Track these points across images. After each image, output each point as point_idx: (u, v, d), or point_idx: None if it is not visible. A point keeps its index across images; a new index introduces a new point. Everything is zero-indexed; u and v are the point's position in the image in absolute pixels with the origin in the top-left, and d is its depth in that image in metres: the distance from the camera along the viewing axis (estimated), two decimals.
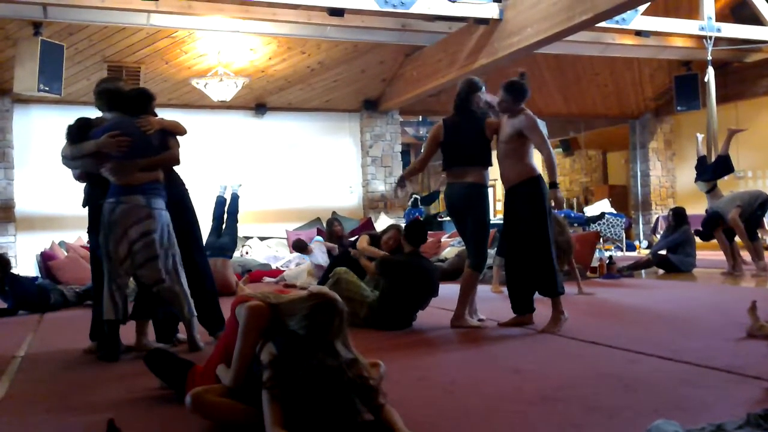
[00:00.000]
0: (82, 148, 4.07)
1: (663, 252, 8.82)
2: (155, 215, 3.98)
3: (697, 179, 8.79)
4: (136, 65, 10.05)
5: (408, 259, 5.00)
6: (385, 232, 5.87)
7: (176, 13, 8.49)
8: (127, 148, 3.94)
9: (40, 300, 6.72)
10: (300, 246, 8.09)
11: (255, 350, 2.52)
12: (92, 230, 4.21)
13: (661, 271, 8.74)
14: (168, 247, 4.05)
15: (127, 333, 4.19)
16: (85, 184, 4.37)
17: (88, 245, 4.53)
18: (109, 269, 3.98)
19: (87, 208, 4.31)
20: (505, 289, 6.86)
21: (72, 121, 4.31)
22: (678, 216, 8.68)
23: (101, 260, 4.06)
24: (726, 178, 8.83)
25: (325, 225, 9.38)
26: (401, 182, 5.20)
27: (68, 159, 4.21)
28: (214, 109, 10.99)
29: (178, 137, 4.24)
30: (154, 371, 3.09)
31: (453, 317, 4.82)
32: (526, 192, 4.60)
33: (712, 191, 8.41)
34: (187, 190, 4.48)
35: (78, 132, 4.17)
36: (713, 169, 8.56)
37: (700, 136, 9.17)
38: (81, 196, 4.40)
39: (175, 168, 4.35)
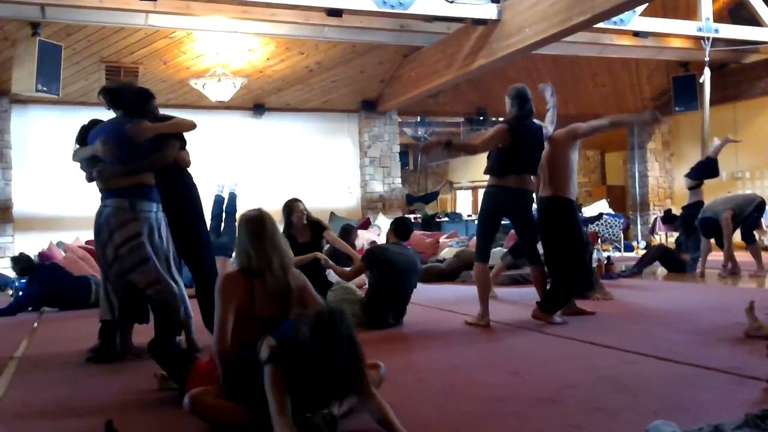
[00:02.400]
0: (82, 152, 4.12)
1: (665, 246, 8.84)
2: (141, 218, 3.92)
3: (686, 175, 8.93)
4: (134, 66, 10.05)
5: (392, 247, 5.13)
6: (290, 211, 5.82)
7: (174, 14, 8.48)
8: (118, 152, 3.91)
9: (76, 295, 6.65)
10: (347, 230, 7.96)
11: (231, 314, 2.68)
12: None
13: (659, 271, 8.76)
14: (160, 249, 4.00)
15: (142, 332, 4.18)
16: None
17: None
18: (103, 271, 4.02)
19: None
20: (496, 290, 6.67)
21: (75, 122, 4.31)
22: (687, 222, 8.57)
23: None
24: (724, 179, 8.89)
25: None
26: (447, 145, 4.82)
27: (77, 161, 4.24)
28: (212, 110, 10.98)
29: (188, 133, 4.20)
30: (158, 361, 3.10)
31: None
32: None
33: (695, 188, 8.59)
34: (197, 194, 4.42)
35: (83, 134, 4.20)
36: (698, 170, 8.67)
37: (717, 141, 9.19)
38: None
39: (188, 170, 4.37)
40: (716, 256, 8.62)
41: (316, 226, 5.87)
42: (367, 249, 5.41)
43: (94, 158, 4.03)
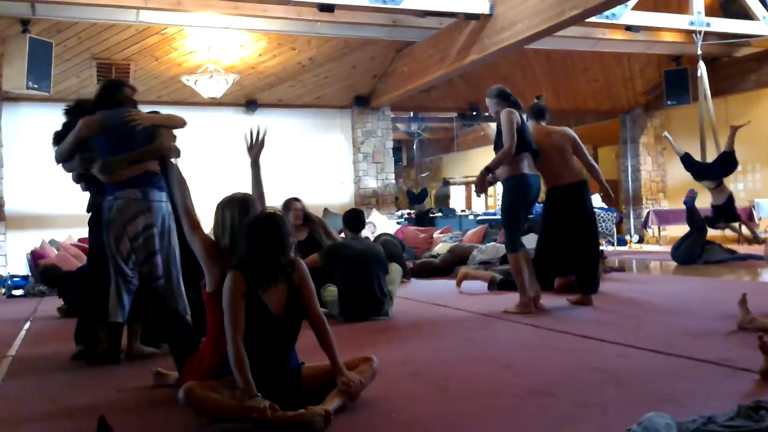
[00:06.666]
0: (64, 144, 3.96)
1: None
2: (153, 207, 3.85)
3: (700, 179, 8.89)
4: (126, 62, 10.00)
5: (350, 242, 5.24)
6: (287, 209, 5.83)
7: (166, 10, 8.46)
8: (98, 125, 3.82)
9: None
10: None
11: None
12: (93, 228, 4.11)
13: (652, 265, 8.79)
14: (168, 241, 3.93)
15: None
16: (83, 184, 4.25)
17: (88, 242, 4.34)
18: (116, 268, 3.84)
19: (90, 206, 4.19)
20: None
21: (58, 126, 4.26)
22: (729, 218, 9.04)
23: (101, 259, 4.01)
24: None
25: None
26: (488, 175, 5.00)
27: (60, 162, 4.13)
28: (204, 106, 10.94)
29: (178, 130, 4.13)
30: (166, 332, 3.14)
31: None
32: None
33: (718, 186, 8.64)
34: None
35: (61, 134, 4.09)
36: (720, 168, 8.67)
37: (670, 136, 9.35)
38: (75, 195, 4.29)
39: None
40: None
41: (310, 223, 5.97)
42: (327, 247, 5.41)
43: (85, 157, 3.94)
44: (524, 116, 5.13)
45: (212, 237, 2.93)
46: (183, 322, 3.31)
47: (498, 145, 5.03)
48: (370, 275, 5.07)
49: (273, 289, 2.67)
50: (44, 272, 6.84)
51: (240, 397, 2.45)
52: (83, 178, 4.18)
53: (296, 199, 6.02)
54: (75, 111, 4.18)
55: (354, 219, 5.32)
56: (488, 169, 4.90)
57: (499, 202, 5.57)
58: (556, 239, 5.39)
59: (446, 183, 17.66)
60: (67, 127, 4.13)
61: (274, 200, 6.09)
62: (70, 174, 4.27)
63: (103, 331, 3.89)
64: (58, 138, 4.17)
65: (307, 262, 4.94)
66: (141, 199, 3.82)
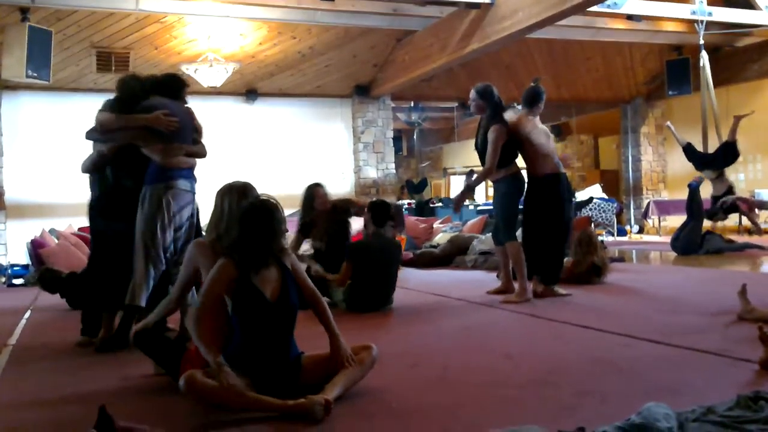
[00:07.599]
0: (131, 119, 3.90)
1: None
2: (194, 199, 4.07)
3: (702, 168, 8.89)
4: (125, 51, 9.96)
5: (372, 241, 5.17)
6: (312, 198, 5.75)
7: None
8: (174, 129, 3.90)
9: None
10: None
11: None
12: (106, 214, 4.10)
13: (652, 255, 8.79)
14: (195, 231, 4.11)
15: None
16: (89, 174, 4.23)
17: (92, 228, 4.25)
18: (149, 254, 3.85)
19: (101, 190, 4.17)
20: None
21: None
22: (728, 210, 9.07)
23: (110, 246, 4.03)
24: None
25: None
26: (470, 190, 5.72)
27: (102, 130, 3.98)
28: (204, 95, 10.88)
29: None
30: (144, 350, 3.10)
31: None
32: None
33: (719, 177, 8.64)
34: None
35: (125, 104, 4.02)
36: (723, 157, 8.67)
37: (672, 126, 9.35)
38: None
39: None
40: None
41: (338, 210, 5.85)
42: (349, 246, 5.31)
43: (140, 135, 3.92)
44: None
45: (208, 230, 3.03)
46: (160, 335, 3.34)
47: (482, 153, 5.23)
48: (387, 273, 5.08)
49: (266, 275, 2.69)
50: (42, 277, 6.31)
51: (212, 365, 2.49)
52: (114, 159, 4.09)
53: (318, 185, 5.87)
54: (139, 82, 4.20)
55: (381, 212, 5.21)
56: (470, 188, 5.58)
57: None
58: (529, 229, 5.39)
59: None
60: (129, 100, 4.03)
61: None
62: (97, 143, 4.19)
63: (110, 318, 3.97)
64: (119, 105, 4.05)
65: (343, 272, 5.04)
66: (189, 190, 4.00)
